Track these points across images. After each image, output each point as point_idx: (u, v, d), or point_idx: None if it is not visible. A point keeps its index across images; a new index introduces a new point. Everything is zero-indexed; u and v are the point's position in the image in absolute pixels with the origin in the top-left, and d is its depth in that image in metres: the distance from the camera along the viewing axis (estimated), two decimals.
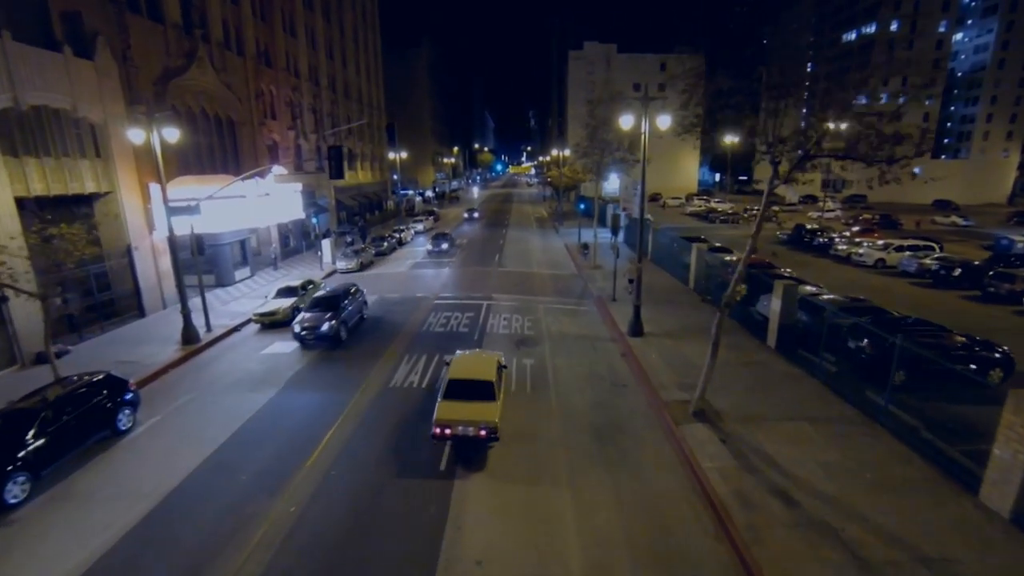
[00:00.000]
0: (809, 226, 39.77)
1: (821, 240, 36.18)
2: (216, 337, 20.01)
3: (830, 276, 28.50)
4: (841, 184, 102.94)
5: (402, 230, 44.20)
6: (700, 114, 14.03)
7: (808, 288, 20.31)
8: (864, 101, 12.09)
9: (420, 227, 48.63)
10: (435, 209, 65.18)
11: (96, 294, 20.46)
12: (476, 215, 60.69)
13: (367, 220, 53.81)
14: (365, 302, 22.14)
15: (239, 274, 29.43)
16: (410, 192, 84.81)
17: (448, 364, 12.98)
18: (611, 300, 23.98)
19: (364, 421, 13.30)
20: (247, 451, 11.98)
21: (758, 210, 44.50)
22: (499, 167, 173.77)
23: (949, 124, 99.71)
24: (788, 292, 16.68)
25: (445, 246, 37.33)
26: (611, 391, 14.90)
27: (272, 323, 21.21)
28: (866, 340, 14.62)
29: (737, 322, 20.23)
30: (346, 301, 20.15)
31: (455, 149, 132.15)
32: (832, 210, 64.21)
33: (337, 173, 19.29)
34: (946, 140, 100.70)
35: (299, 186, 30.61)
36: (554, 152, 57.91)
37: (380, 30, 63.65)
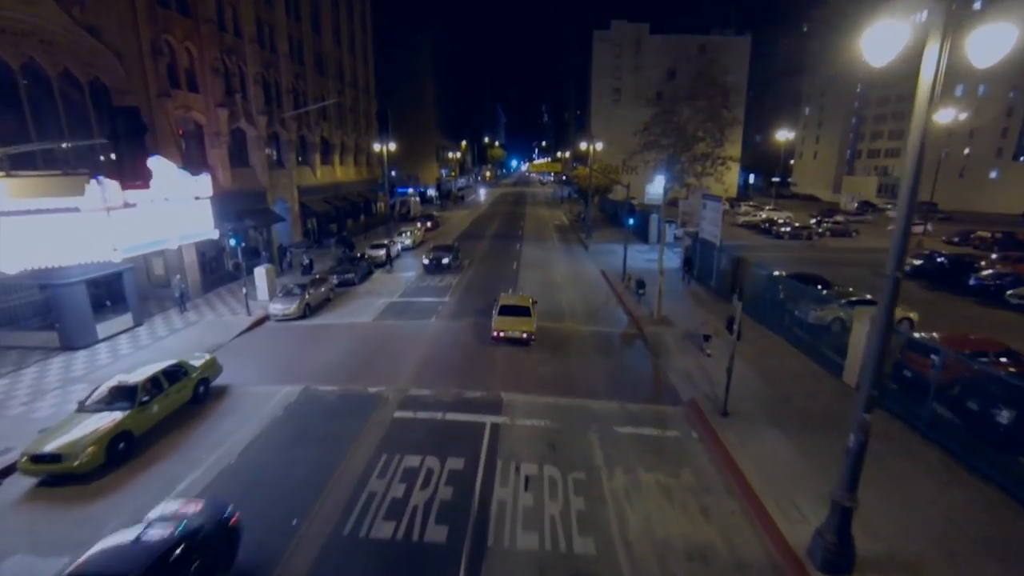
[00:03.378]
0: (948, 253, 28.41)
1: (983, 279, 24.65)
2: None
3: None
4: None
5: (383, 245, 33.42)
6: None
7: None
8: None
9: (407, 241, 37.61)
10: (434, 214, 54.27)
11: None
12: (447, 261, 30.37)
13: (348, 229, 43.20)
14: None
15: (107, 327, 18.81)
16: (409, 191, 74.13)
17: (497, 300, 19.49)
18: (720, 415, 13.01)
19: None
20: None
21: (834, 223, 31.01)
22: (513, 162, 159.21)
23: None
24: None
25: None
26: None
27: (56, 476, 10.54)
28: None
29: (1007, 493, 9.21)
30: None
31: (463, 143, 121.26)
32: (917, 223, 52.41)
33: (129, 166, 8.63)
34: None
35: (206, 189, 19.85)
36: (582, 146, 46.82)
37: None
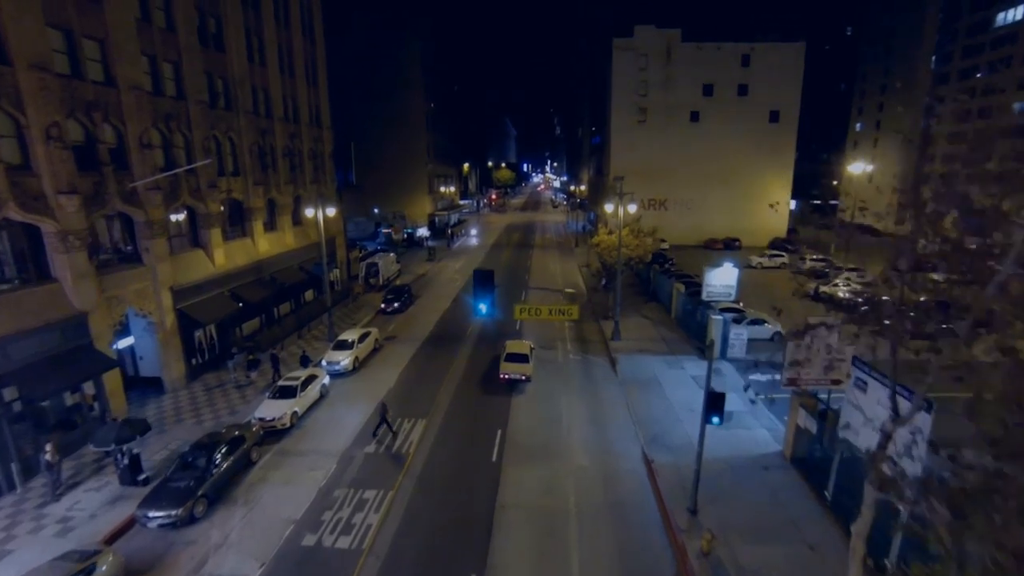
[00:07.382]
0: None
1: None
2: None
3: None
4: None
5: (292, 387, 20.40)
6: None
7: None
8: None
9: (342, 362, 24.49)
10: (409, 286, 40.68)
11: None
12: None
13: (278, 325, 30.51)
14: None
15: None
16: (389, 234, 61.45)
17: (505, 346, 24.02)
18: None
19: None
20: None
21: None
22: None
23: None
24: None
25: None
26: None
27: None
28: None
29: None
30: None
31: (466, 166, 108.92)
32: None
33: None
34: None
35: None
36: (607, 207, 33.50)
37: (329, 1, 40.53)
